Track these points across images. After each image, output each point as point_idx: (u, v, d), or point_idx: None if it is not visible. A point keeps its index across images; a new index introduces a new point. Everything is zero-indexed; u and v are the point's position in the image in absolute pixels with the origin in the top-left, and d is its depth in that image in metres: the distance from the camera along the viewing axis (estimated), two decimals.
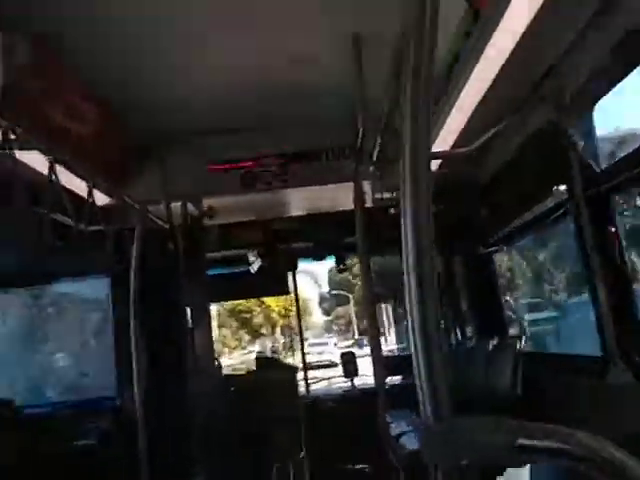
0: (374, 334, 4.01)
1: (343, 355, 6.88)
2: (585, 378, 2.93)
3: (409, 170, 0.95)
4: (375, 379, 3.81)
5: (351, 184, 3.85)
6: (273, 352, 32.43)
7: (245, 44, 3.00)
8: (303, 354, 7.12)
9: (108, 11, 2.52)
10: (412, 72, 0.93)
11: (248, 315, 32.79)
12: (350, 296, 36.46)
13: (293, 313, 30.06)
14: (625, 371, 2.50)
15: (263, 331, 34.86)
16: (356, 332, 39.05)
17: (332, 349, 26.53)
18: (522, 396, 3.29)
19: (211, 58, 3.10)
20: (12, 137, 1.96)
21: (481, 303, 4.55)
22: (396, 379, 6.23)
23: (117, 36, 2.75)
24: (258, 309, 32.21)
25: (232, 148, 4.17)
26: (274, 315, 32.31)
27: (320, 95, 3.71)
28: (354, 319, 39.89)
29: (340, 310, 43.99)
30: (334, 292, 38.35)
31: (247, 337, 35.08)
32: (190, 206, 4.25)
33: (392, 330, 18.54)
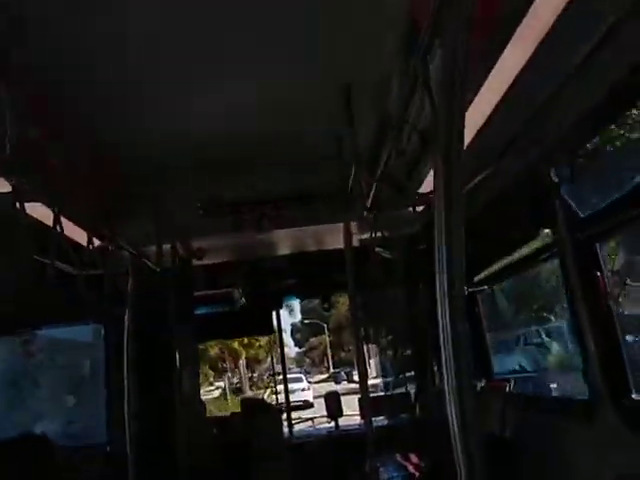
0: (362, 374, 4.03)
1: (327, 396, 6.86)
2: (573, 420, 2.96)
3: (444, 219, 1.03)
4: (364, 422, 3.81)
5: (336, 225, 3.93)
6: (237, 389, 29.84)
7: (235, 91, 3.07)
8: (287, 394, 7.08)
9: (105, 59, 2.59)
10: (443, 156, 1.01)
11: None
12: (325, 325, 34.34)
13: (259, 343, 28.29)
14: (612, 413, 2.54)
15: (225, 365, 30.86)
16: (331, 365, 36.82)
17: (306, 385, 25.16)
18: (510, 438, 3.32)
19: (200, 105, 3.17)
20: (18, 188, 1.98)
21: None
22: (380, 419, 6.23)
23: (112, 85, 2.81)
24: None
25: (222, 190, 4.22)
26: (235, 345, 27.94)
27: (308, 140, 3.80)
28: (329, 350, 37.50)
29: (314, 340, 41.00)
30: (307, 321, 36.07)
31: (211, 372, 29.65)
32: (179, 247, 4.27)
33: (372, 362, 18.26)
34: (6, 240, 1.89)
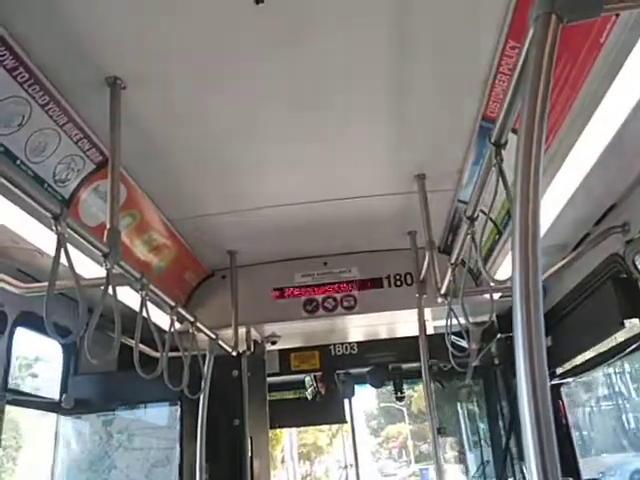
0: (439, 470, 3.83)
1: None
2: None
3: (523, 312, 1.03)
4: None
5: (409, 311, 3.90)
6: None
7: (314, 181, 3.22)
8: None
9: (186, 157, 2.81)
10: (519, 245, 1.04)
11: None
12: (404, 410, 28.13)
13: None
14: None
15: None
16: (412, 458, 30.60)
17: None
18: None
19: (278, 193, 3.33)
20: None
21: None
22: None
23: (193, 177, 3.02)
24: None
25: (296, 276, 4.32)
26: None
27: (381, 226, 3.88)
28: (410, 440, 31.09)
29: (392, 429, 34.19)
30: (383, 405, 30.14)
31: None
32: (253, 331, 4.36)
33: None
34: (98, 323, 2.00)
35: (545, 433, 1.00)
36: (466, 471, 6.34)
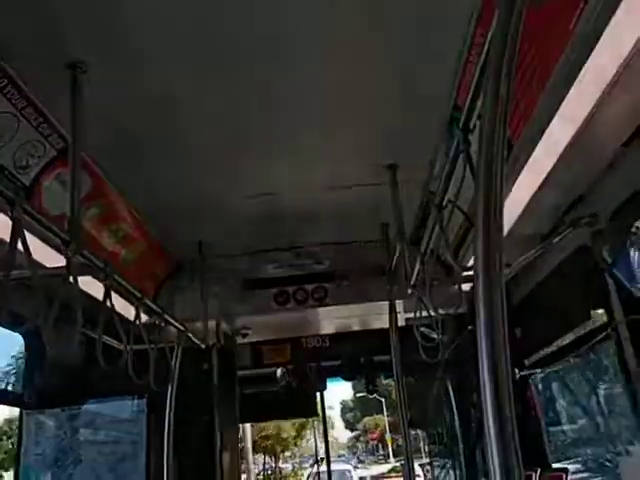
0: (409, 461, 3.85)
1: None
2: None
3: (483, 298, 1.02)
4: None
5: (380, 303, 3.90)
6: None
7: (281, 170, 3.19)
8: None
9: (152, 146, 2.75)
10: (482, 234, 1.02)
11: None
12: (382, 400, 26.54)
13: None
14: None
15: None
16: (390, 452, 28.71)
17: None
18: None
19: (246, 183, 3.29)
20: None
21: (519, 430, 4.30)
22: None
23: (160, 167, 2.97)
24: None
25: (266, 268, 4.28)
26: None
27: (352, 218, 3.87)
28: (388, 433, 29.21)
29: (369, 421, 33.03)
30: (360, 395, 27.68)
31: None
32: (224, 324, 4.31)
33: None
34: (58, 314, 1.94)
35: (506, 424, 0.99)
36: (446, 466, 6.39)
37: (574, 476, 3.53)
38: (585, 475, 3.83)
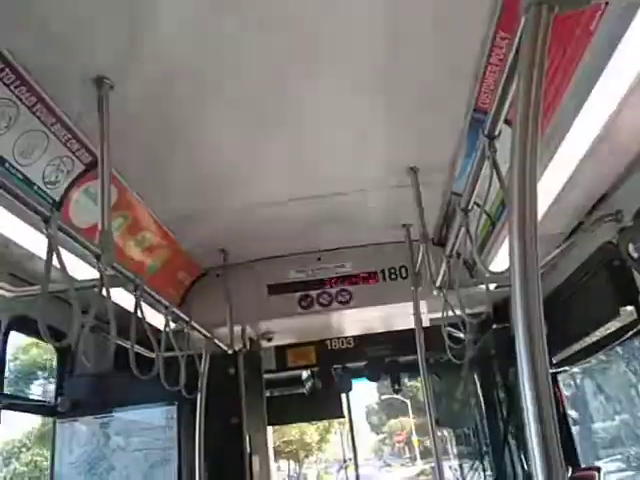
0: (439, 463, 3.85)
1: None
2: None
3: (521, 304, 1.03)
4: None
5: (404, 304, 3.90)
6: None
7: (303, 174, 3.21)
8: None
9: (176, 156, 2.79)
10: (517, 235, 1.03)
11: None
12: (408, 402, 25.61)
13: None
14: None
15: None
16: (417, 454, 27.55)
17: None
18: None
19: (270, 191, 3.32)
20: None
21: None
22: None
23: (183, 176, 3.01)
24: None
25: (290, 272, 4.31)
26: None
27: (373, 220, 3.88)
28: (414, 435, 28.05)
29: (394, 423, 31.58)
30: (385, 397, 26.81)
31: None
32: (249, 329, 4.35)
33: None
34: (92, 324, 1.99)
35: (547, 422, 1.00)
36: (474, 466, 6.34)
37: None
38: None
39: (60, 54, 2.01)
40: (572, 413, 4.65)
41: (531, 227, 1.10)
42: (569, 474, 3.56)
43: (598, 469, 3.03)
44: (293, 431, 20.81)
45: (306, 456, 24.32)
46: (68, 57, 2.03)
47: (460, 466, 7.44)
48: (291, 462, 22.88)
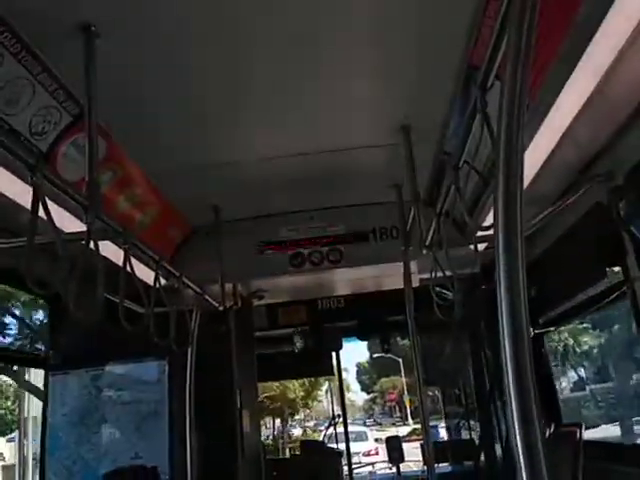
0: (425, 418, 3.94)
1: (388, 440, 6.73)
2: None
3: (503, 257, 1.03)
4: (427, 468, 3.70)
5: (395, 264, 3.92)
6: None
7: (295, 135, 3.18)
8: (347, 440, 6.96)
9: (165, 109, 2.74)
10: (502, 193, 1.03)
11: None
12: (400, 361, 24.95)
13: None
14: None
15: None
16: (409, 414, 27.53)
17: (372, 446, 17.77)
18: None
19: (261, 148, 3.29)
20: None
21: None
22: (443, 466, 6.03)
23: (174, 131, 2.97)
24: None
25: (281, 230, 4.31)
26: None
27: (365, 180, 3.86)
28: (406, 394, 27.65)
29: (385, 382, 31.75)
30: (377, 355, 25.42)
31: None
32: (240, 287, 4.37)
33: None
34: (80, 278, 1.98)
35: (525, 379, 1.02)
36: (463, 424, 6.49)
37: None
38: None
39: (46, 1, 1.95)
40: None
41: (516, 185, 1.09)
42: (551, 430, 3.65)
43: (580, 425, 3.09)
44: (275, 385, 19.70)
45: (291, 414, 23.63)
46: (54, 4, 1.97)
47: (449, 426, 7.63)
48: (276, 419, 22.05)
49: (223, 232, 4.07)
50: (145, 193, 3.47)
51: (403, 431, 23.66)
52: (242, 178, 3.62)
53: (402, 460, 6.45)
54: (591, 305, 3.40)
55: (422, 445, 4.94)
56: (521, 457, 0.97)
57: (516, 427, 1.00)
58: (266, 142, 3.23)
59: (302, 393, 23.11)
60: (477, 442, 5.60)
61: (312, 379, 20.53)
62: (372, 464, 10.19)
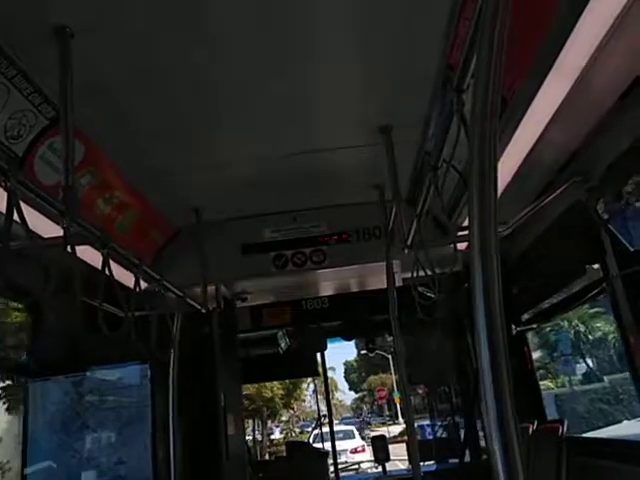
0: (409, 417, 3.95)
1: (374, 440, 6.75)
2: None
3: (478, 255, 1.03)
4: (412, 467, 3.72)
5: (378, 264, 3.93)
6: None
7: (277, 136, 3.17)
8: (333, 440, 6.96)
9: (145, 111, 2.72)
10: (477, 192, 1.03)
11: None
12: (389, 357, 24.46)
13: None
14: None
15: None
16: (399, 412, 26.41)
17: (359, 443, 17.26)
18: None
19: (243, 149, 3.27)
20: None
21: (516, 385, 4.38)
22: (429, 464, 6.05)
23: (153, 132, 2.94)
24: None
25: (264, 232, 4.29)
26: None
27: (347, 180, 3.86)
28: (395, 392, 26.92)
29: (374, 380, 31.19)
30: (365, 352, 23.72)
31: None
32: (223, 289, 4.34)
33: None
34: (57, 284, 1.96)
35: (501, 378, 1.02)
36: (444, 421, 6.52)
37: None
38: None
39: (19, 3, 1.92)
40: None
41: (491, 186, 1.09)
42: (534, 427, 3.68)
43: (562, 421, 3.12)
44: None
45: (270, 415, 22.22)
46: (25, 4, 1.95)
47: (434, 424, 7.66)
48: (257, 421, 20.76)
49: (206, 234, 4.05)
50: (125, 196, 3.43)
51: (394, 430, 23.76)
52: (224, 179, 3.60)
53: (388, 459, 6.47)
54: (572, 303, 3.44)
55: (407, 443, 4.96)
56: (497, 455, 0.97)
57: (492, 426, 1.00)
58: (247, 143, 3.22)
59: (281, 392, 21.99)
60: (462, 440, 5.64)
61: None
62: (358, 463, 10.21)
